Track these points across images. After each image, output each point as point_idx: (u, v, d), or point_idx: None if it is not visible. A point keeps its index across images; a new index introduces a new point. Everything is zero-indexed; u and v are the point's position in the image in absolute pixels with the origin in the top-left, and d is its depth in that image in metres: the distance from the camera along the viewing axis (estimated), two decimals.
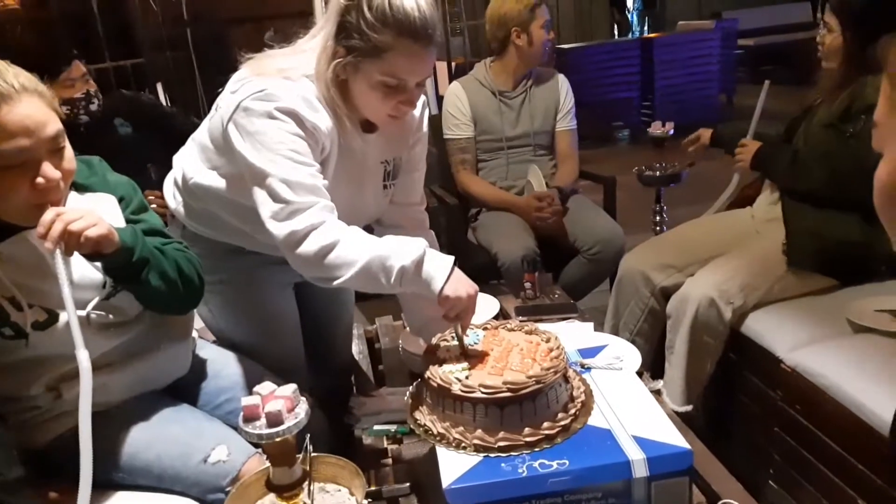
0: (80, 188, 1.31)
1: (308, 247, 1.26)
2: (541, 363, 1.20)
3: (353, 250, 1.25)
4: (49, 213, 1.11)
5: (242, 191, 1.35)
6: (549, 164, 2.75)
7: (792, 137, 2.07)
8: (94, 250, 1.17)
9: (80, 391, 1.05)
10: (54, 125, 1.15)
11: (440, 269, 1.25)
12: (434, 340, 1.34)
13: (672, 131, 2.64)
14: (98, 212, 1.29)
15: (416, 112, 1.53)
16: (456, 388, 1.13)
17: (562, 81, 2.75)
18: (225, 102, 1.35)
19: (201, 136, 1.49)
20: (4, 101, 1.08)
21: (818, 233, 1.90)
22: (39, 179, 1.12)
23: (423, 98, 1.54)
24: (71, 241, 1.11)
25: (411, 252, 1.24)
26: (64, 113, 1.48)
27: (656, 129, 2.67)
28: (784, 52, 8.08)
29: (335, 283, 1.28)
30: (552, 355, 1.22)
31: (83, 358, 1.06)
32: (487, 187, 2.70)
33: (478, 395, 1.11)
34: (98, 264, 1.27)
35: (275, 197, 1.27)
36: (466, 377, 1.16)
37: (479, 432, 1.11)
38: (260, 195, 1.29)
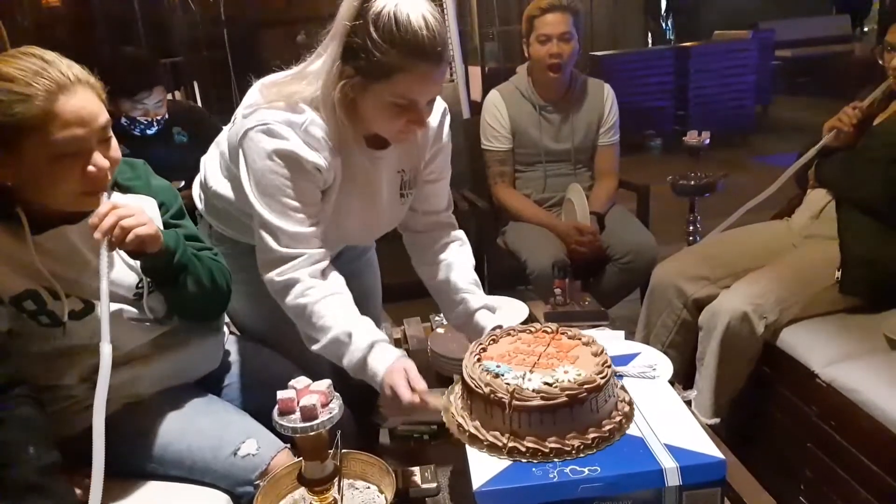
0: (123, 188, 1.33)
1: (289, 301, 1.34)
2: (584, 369, 1.17)
3: (323, 321, 1.33)
4: (105, 205, 1.14)
5: (248, 205, 1.37)
6: (588, 177, 2.69)
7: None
8: (139, 249, 1.19)
9: (98, 380, 1.07)
10: (104, 116, 1.18)
11: (382, 362, 1.31)
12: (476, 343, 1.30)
13: (708, 141, 2.58)
14: None
15: (434, 121, 1.50)
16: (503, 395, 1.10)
17: (608, 93, 2.65)
18: (238, 123, 1.37)
19: (222, 142, 1.51)
20: (62, 91, 1.10)
21: (875, 263, 1.84)
22: (91, 168, 1.15)
23: (443, 105, 1.52)
24: (120, 236, 1.14)
25: (359, 347, 1.32)
26: (122, 124, 1.49)
27: (692, 138, 2.62)
28: (821, 65, 7.97)
29: (313, 347, 1.35)
30: (597, 361, 1.18)
31: (106, 352, 1.09)
32: (526, 203, 2.63)
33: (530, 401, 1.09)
34: (136, 265, 1.30)
35: (263, 242, 1.34)
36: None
37: (513, 436, 1.10)
38: (256, 234, 1.36)
